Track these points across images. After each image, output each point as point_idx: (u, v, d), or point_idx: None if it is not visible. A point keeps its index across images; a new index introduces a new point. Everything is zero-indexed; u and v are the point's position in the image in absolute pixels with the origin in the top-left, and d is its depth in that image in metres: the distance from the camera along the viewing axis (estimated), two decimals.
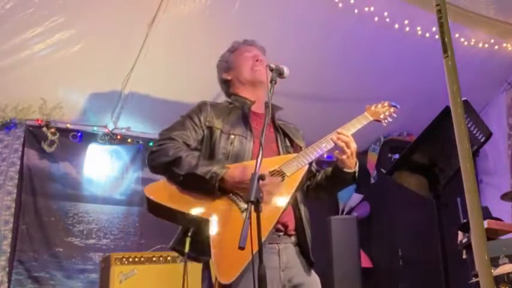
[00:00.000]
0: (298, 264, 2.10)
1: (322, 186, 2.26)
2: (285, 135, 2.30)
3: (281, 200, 1.99)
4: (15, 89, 4.28)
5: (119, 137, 4.91)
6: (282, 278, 2.03)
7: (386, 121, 2.38)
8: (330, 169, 2.25)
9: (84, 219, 4.69)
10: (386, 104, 2.41)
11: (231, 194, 2.00)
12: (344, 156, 2.12)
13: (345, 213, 5.69)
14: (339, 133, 2.14)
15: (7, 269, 4.22)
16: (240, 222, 1.89)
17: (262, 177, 1.79)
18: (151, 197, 2.01)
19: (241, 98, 2.33)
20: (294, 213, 2.13)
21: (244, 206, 1.96)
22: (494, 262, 3.22)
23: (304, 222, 2.14)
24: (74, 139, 4.79)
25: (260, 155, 1.82)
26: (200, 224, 1.94)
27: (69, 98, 4.51)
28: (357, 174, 2.21)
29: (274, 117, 2.31)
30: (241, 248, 1.60)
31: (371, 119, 2.32)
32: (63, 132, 4.72)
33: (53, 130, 4.62)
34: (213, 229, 1.91)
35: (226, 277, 1.82)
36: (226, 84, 2.41)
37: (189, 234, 1.97)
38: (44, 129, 4.60)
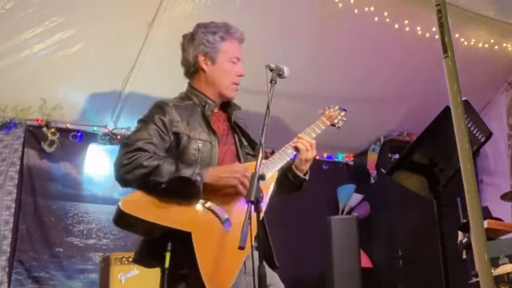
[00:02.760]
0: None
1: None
2: (243, 134, 2.26)
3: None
4: (15, 89, 4.28)
5: (119, 137, 4.90)
6: (248, 282, 1.97)
7: (339, 125, 2.42)
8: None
9: (84, 219, 4.68)
10: (337, 108, 2.45)
11: (208, 204, 1.96)
12: (304, 158, 2.14)
13: (345, 213, 5.69)
14: (300, 138, 2.17)
15: (7, 269, 4.21)
16: (222, 233, 1.91)
17: (262, 177, 1.79)
18: (130, 213, 1.89)
19: (203, 95, 2.21)
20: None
21: (224, 216, 1.95)
22: (494, 262, 3.22)
23: (266, 226, 2.13)
24: (74, 139, 4.78)
25: (260, 155, 1.82)
26: (178, 237, 1.88)
27: (69, 98, 4.51)
28: (303, 184, 2.23)
29: (231, 116, 2.26)
30: (241, 248, 1.61)
31: (328, 123, 2.36)
32: (63, 132, 4.71)
33: (53, 130, 4.61)
34: (197, 242, 1.85)
35: None
36: (195, 68, 2.22)
37: (168, 248, 1.89)
38: (44, 129, 4.59)
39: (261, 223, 2.05)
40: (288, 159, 2.15)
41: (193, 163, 2.03)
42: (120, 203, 1.93)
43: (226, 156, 2.14)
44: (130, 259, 3.79)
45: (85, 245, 4.61)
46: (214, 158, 2.08)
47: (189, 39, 2.24)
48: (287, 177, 2.20)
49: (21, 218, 4.42)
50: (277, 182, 2.18)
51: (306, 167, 2.18)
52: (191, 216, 1.93)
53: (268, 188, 2.06)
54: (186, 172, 1.93)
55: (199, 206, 1.96)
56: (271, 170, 2.09)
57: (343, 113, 2.44)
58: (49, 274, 4.41)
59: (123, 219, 1.93)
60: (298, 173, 2.18)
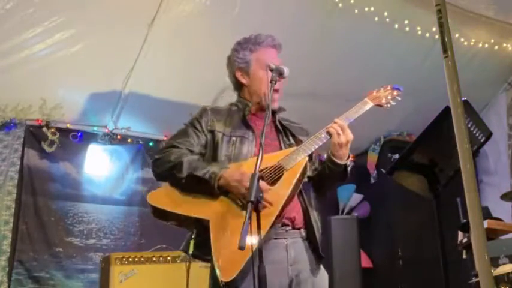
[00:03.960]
0: (306, 259, 2.11)
1: (316, 180, 2.24)
2: (286, 133, 2.29)
3: (281, 196, 1.98)
4: (15, 89, 4.27)
5: (118, 137, 4.91)
6: (289, 273, 2.05)
7: (389, 105, 2.32)
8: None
9: (84, 219, 4.69)
10: (389, 87, 2.36)
11: (230, 194, 2.03)
12: (336, 142, 2.10)
13: (345, 213, 5.69)
14: (335, 122, 2.13)
15: (7, 269, 4.21)
16: (239, 220, 1.90)
17: (262, 178, 1.79)
18: (154, 204, 2.07)
19: (245, 100, 2.33)
20: (300, 206, 2.14)
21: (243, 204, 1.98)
22: (494, 262, 3.21)
23: (312, 215, 2.14)
24: (74, 139, 4.78)
25: (260, 155, 1.82)
26: (202, 225, 1.99)
27: (69, 98, 4.51)
28: (348, 169, 2.20)
29: (275, 118, 2.30)
30: (241, 248, 1.61)
31: (371, 104, 2.28)
32: (63, 132, 4.71)
33: (53, 130, 4.61)
34: (214, 229, 1.94)
35: (227, 275, 1.84)
36: (237, 83, 2.36)
37: (193, 236, 2.03)
38: (44, 129, 4.59)
39: (306, 210, 2.12)
40: (320, 143, 2.11)
41: (227, 159, 2.13)
42: (148, 195, 2.12)
43: (265, 150, 2.06)
44: (131, 259, 3.81)
45: (85, 245, 4.62)
46: (250, 151, 2.15)
47: (228, 60, 2.40)
48: (328, 167, 2.18)
49: (21, 218, 4.41)
50: (319, 175, 2.21)
51: (342, 152, 2.12)
52: (212, 206, 2.02)
53: (296, 173, 2.04)
54: (200, 171, 2.04)
55: (221, 196, 2.03)
56: (302, 155, 2.07)
57: (395, 93, 2.34)
58: (49, 274, 4.40)
59: (153, 211, 2.09)
60: (335, 159, 2.13)
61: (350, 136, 2.12)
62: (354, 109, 2.23)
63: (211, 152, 2.18)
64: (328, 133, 2.12)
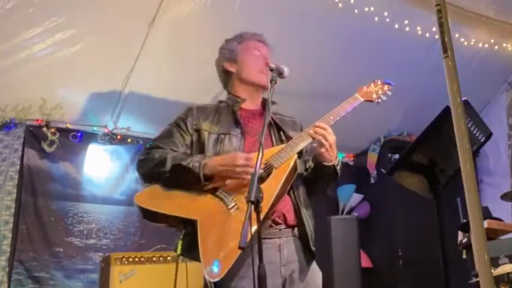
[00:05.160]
0: (299, 258, 2.10)
1: (308, 181, 2.23)
2: (279, 129, 2.27)
3: (269, 193, 1.95)
4: (15, 89, 4.28)
5: (118, 137, 4.91)
6: (282, 273, 2.03)
7: (379, 100, 2.33)
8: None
9: (84, 219, 4.69)
10: (379, 82, 2.38)
11: (218, 192, 2.00)
12: (322, 150, 2.09)
13: (345, 213, 5.69)
14: (316, 126, 2.10)
15: (7, 269, 4.21)
16: (227, 219, 1.92)
17: (262, 177, 1.78)
18: (140, 205, 2.03)
19: (234, 96, 2.31)
20: (292, 203, 2.12)
21: (231, 203, 1.96)
22: (494, 262, 3.22)
23: (303, 212, 2.12)
24: (74, 139, 4.78)
25: (260, 154, 1.81)
26: (189, 225, 1.95)
27: (69, 98, 4.51)
28: (338, 168, 2.18)
29: (266, 112, 2.29)
30: (241, 248, 1.60)
31: (361, 99, 2.28)
32: (63, 132, 4.71)
33: (53, 130, 4.61)
34: (201, 229, 1.91)
35: (214, 275, 1.81)
36: (226, 75, 2.36)
37: (180, 236, 1.99)
38: (44, 129, 4.59)
39: (297, 207, 2.11)
40: (307, 142, 2.09)
41: (215, 156, 2.09)
42: (135, 196, 2.07)
43: (255, 147, 2.10)
44: (131, 259, 3.80)
45: (85, 245, 4.62)
46: (238, 149, 2.12)
47: (216, 59, 2.41)
48: (318, 170, 2.16)
49: (21, 218, 4.41)
50: (310, 177, 2.19)
51: (330, 154, 2.10)
52: (199, 205, 1.98)
53: (285, 171, 2.03)
54: (185, 161, 2.02)
55: (209, 195, 2.00)
56: (290, 152, 2.06)
57: (386, 87, 2.35)
58: (49, 274, 4.40)
59: (141, 212, 2.04)
60: (324, 163, 2.11)
61: (333, 137, 2.10)
62: (343, 105, 2.22)
63: (197, 151, 2.15)
64: (311, 136, 2.09)
